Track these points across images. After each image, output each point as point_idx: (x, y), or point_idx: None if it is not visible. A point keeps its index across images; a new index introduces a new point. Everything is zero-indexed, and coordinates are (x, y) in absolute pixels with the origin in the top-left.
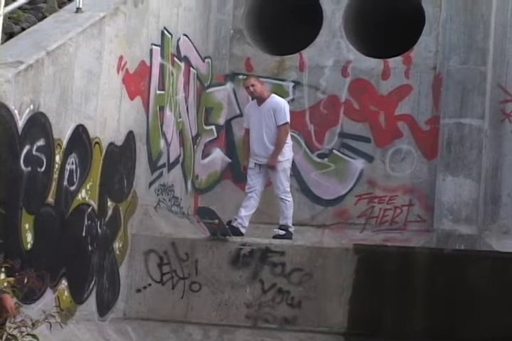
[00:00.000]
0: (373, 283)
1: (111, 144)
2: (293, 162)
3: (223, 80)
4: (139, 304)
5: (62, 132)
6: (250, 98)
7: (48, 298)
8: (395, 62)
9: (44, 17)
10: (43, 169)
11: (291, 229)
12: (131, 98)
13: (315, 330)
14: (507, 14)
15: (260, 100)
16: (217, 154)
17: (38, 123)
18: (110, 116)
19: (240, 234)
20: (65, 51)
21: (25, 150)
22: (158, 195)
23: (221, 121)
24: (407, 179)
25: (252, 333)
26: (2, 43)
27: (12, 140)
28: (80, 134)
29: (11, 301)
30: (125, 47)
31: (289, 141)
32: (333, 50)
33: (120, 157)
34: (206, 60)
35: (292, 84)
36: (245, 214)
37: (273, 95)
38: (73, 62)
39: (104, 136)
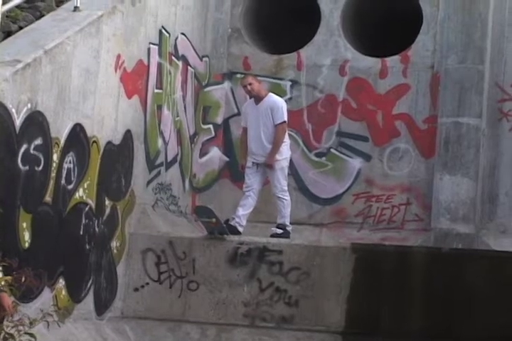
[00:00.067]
0: (371, 282)
1: (108, 143)
2: (291, 161)
3: (221, 79)
4: (136, 303)
5: (60, 131)
6: (248, 97)
7: (46, 296)
8: (393, 61)
9: (42, 16)
10: (40, 168)
11: (289, 228)
12: (129, 97)
13: (312, 329)
14: (504, 13)
15: (258, 99)
16: (215, 153)
17: (36, 122)
18: (108, 114)
19: (238, 232)
20: (63, 50)
21: (22, 149)
22: (155, 194)
23: (219, 119)
24: (404, 178)
25: (249, 332)
26: (0, 42)
27: (10, 139)
28: (77, 133)
29: (8, 300)
30: (123, 46)
31: (286, 139)
32: (330, 49)
33: (118, 156)
34: (204, 59)
35: (290, 83)
36: (243, 213)
37: (270, 94)
38: (71, 61)
39: (101, 134)
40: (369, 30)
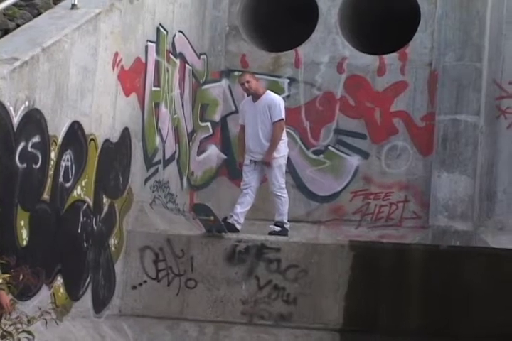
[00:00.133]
0: (369, 279)
1: (106, 141)
2: (288, 158)
3: (219, 77)
4: (134, 301)
5: (58, 129)
6: (246, 94)
7: (44, 294)
8: (391, 58)
9: (39, 13)
10: (38, 166)
11: (287, 226)
12: (127, 94)
13: (310, 327)
14: (502, 10)
15: (255, 97)
16: (213, 151)
17: (34, 119)
18: (105, 112)
19: (236, 230)
20: (61, 48)
21: (20, 147)
22: (153, 192)
23: (216, 117)
24: (402, 175)
25: (247, 330)
26: None
27: (7, 136)
28: (75, 131)
29: (6, 298)
30: (120, 44)
31: (284, 137)
32: (328, 47)
33: (115, 153)
34: (202, 57)
35: (288, 80)
36: (241, 210)
37: (268, 92)
38: (68, 59)
39: (99, 132)
40: (367, 27)
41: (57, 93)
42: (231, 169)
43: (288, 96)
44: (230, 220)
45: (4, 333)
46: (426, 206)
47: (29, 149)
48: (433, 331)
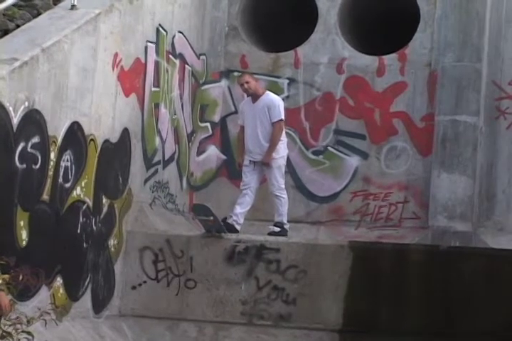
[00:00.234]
0: (368, 279)
1: (106, 141)
2: (288, 159)
3: (218, 77)
4: (134, 301)
5: (57, 129)
6: (245, 95)
7: (43, 295)
8: (390, 59)
9: (39, 14)
10: (37, 166)
11: (286, 226)
12: (126, 95)
13: (310, 327)
14: (502, 11)
15: (255, 97)
16: (213, 151)
17: (33, 120)
18: (105, 113)
19: (235, 231)
20: (60, 48)
21: (20, 148)
22: (153, 192)
23: (216, 118)
24: (402, 176)
25: (247, 330)
26: None
27: (7, 137)
28: (74, 131)
29: (5, 298)
30: (120, 44)
31: (283, 138)
32: (328, 47)
33: (115, 154)
34: (201, 57)
35: (287, 81)
36: (240, 211)
37: (267, 92)
38: (68, 59)
39: (99, 133)
40: (366, 28)
41: (56, 93)
42: (231, 169)
43: (287, 97)
44: (230, 221)
45: (4, 333)
46: (425, 206)
47: (29, 150)
48: (432, 331)
